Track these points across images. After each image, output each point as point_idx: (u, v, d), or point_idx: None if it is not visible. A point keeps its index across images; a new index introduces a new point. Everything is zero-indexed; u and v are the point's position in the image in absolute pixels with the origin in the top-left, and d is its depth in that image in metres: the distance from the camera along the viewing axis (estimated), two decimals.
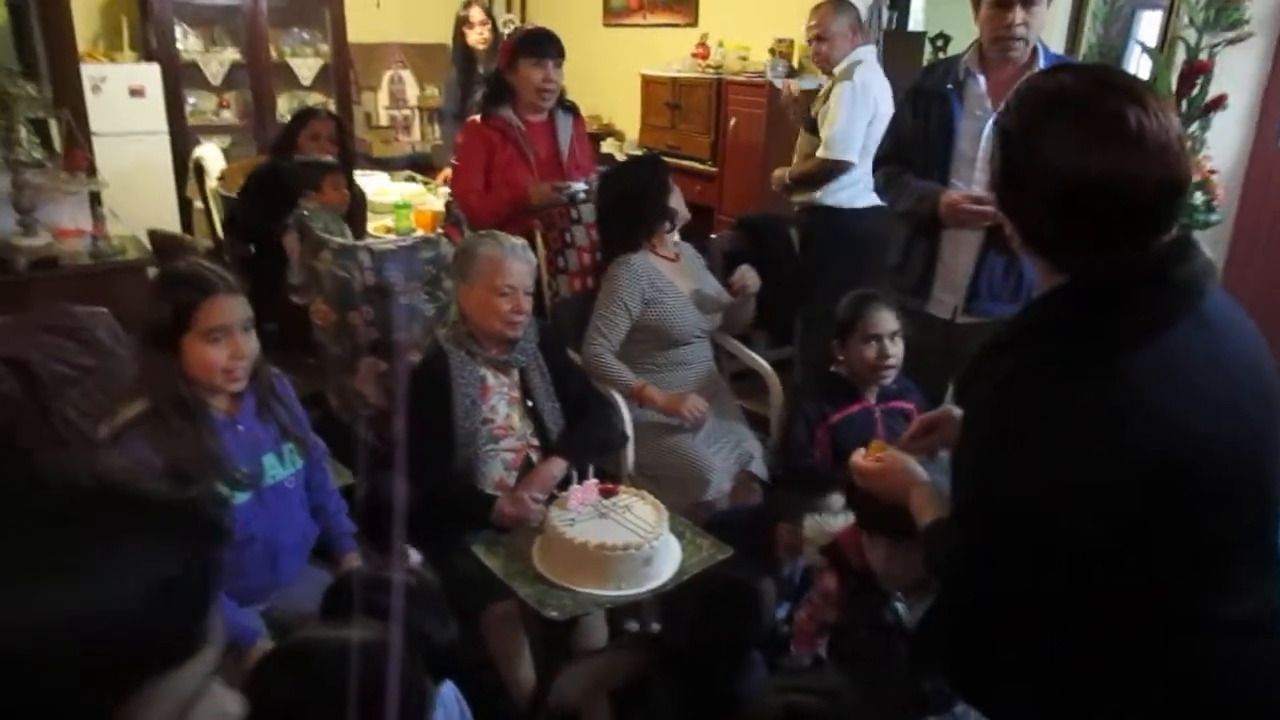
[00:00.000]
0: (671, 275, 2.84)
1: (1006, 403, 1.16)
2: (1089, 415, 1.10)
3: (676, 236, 2.94)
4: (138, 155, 5.06)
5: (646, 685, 2.31)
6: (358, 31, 6.01)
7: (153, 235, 3.36)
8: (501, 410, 2.37)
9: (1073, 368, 1.12)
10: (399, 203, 4.00)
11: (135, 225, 3.59)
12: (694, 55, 5.15)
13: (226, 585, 1.81)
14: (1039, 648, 1.21)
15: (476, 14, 4.53)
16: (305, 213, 3.04)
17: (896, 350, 2.45)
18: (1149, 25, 4.79)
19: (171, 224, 4.69)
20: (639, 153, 5.09)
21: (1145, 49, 4.58)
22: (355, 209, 3.53)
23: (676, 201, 2.88)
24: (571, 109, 3.30)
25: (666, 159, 3.59)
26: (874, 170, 2.83)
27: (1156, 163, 1.11)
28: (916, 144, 2.64)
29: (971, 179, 2.56)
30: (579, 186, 3.14)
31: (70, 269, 3.07)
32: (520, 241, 2.39)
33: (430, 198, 4.38)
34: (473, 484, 2.30)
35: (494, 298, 2.28)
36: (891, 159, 2.74)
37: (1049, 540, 1.14)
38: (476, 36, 4.53)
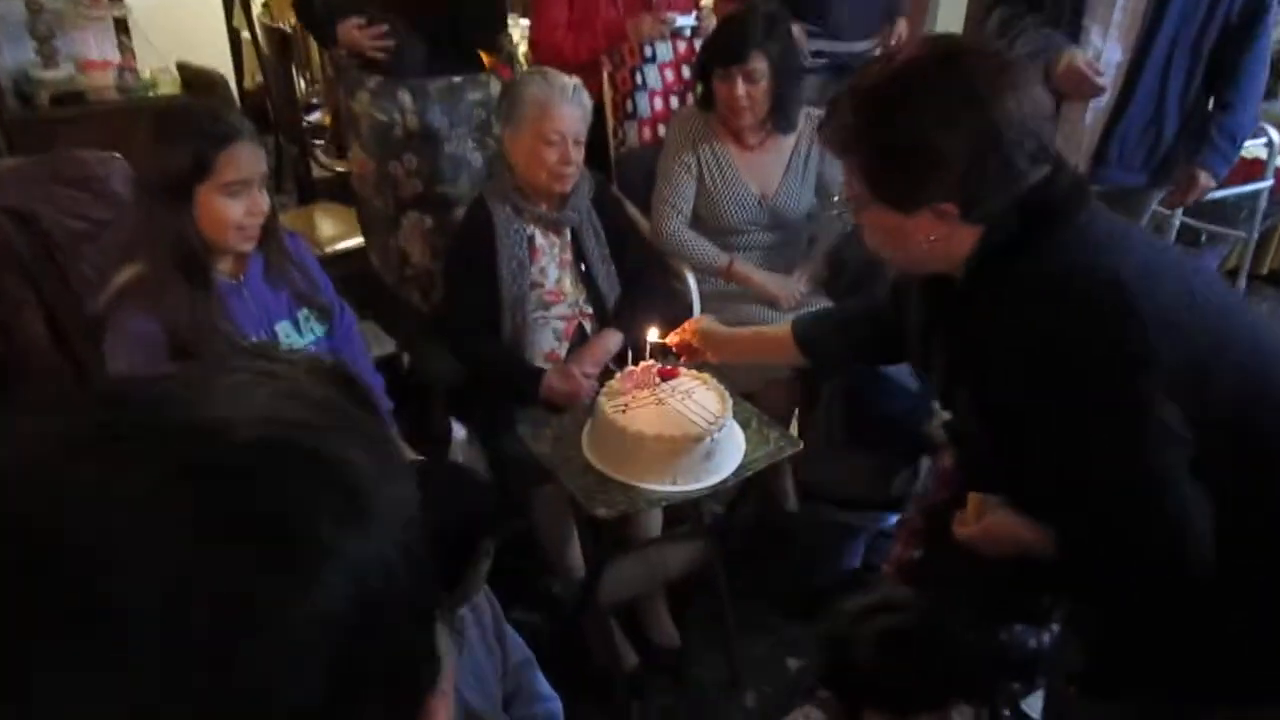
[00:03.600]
0: (739, 162, 2.42)
1: (1046, 365, 1.10)
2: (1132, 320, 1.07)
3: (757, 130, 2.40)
4: None
5: (706, 580, 2.16)
6: None
7: (182, 69, 3.08)
8: (552, 274, 2.16)
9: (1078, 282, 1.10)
10: None
11: (179, 58, 3.32)
12: None
13: None
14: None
15: None
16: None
17: None
18: None
19: (220, 57, 4.42)
20: None
21: None
22: None
23: (740, 92, 2.30)
24: None
25: None
26: (989, 10, 2.48)
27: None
28: None
29: (1110, 19, 2.26)
30: (686, 20, 2.77)
31: (96, 105, 2.84)
32: (574, 81, 2.08)
33: None
34: (520, 355, 2.12)
35: (540, 146, 2.02)
36: None
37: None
38: None
